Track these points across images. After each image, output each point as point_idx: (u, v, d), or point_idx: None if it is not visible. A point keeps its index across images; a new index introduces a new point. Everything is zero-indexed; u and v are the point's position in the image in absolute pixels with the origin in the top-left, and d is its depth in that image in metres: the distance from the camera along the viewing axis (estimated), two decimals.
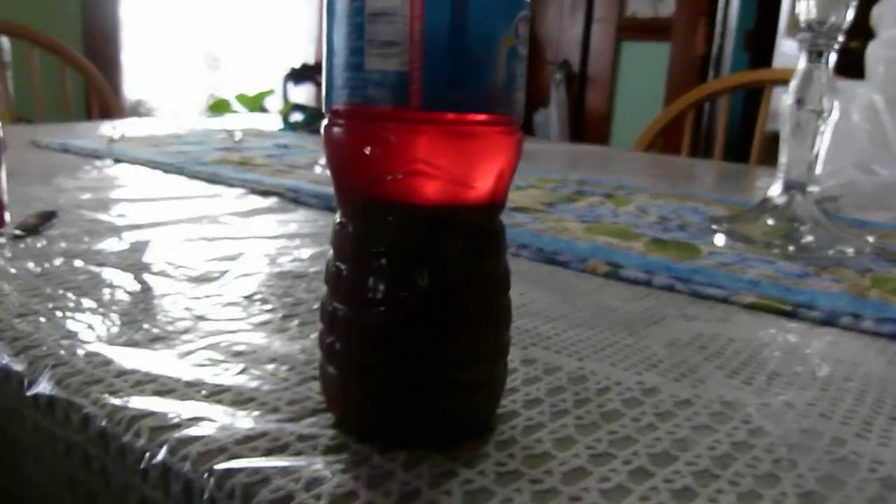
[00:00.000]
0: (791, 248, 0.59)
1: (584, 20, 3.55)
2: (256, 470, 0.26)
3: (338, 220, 0.28)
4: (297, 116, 1.38)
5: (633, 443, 0.29)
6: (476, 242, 0.27)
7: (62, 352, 0.34)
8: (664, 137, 1.52)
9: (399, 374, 0.27)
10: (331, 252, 0.28)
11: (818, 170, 0.62)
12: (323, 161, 0.92)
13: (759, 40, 3.39)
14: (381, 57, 0.24)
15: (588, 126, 3.57)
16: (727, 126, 1.51)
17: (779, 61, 3.41)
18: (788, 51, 3.45)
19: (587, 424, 0.30)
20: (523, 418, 0.30)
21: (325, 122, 0.27)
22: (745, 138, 2.56)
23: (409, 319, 0.26)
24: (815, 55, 0.60)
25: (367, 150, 0.25)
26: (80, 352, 0.34)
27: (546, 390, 0.33)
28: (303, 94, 3.09)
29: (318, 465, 0.26)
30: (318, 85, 2.88)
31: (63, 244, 0.52)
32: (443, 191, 0.26)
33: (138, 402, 0.30)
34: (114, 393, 0.31)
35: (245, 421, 0.29)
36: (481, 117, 0.25)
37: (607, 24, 3.50)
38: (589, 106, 3.61)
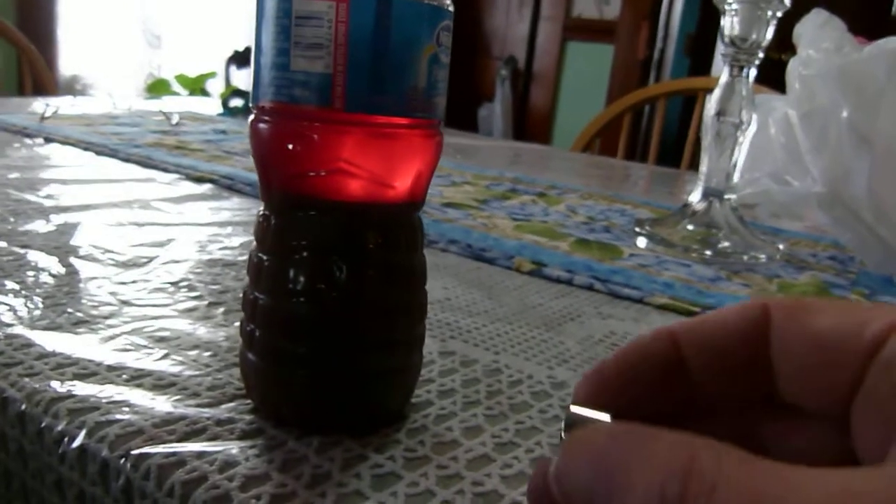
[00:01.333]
0: (708, 252, 0.62)
1: (531, 18, 3.59)
2: (173, 453, 0.26)
3: (261, 212, 0.29)
4: (236, 102, 1.36)
5: (537, 433, 0.31)
6: (394, 238, 0.28)
7: None
8: (603, 138, 1.56)
9: (316, 362, 0.28)
10: (254, 243, 0.29)
11: (736, 178, 0.65)
12: None
13: (699, 45, 3.48)
14: (307, 59, 0.25)
15: (531, 122, 3.62)
16: (663, 130, 1.55)
17: (718, 66, 3.50)
18: None
19: (496, 415, 0.32)
20: (436, 407, 0.32)
21: (251, 118, 0.28)
22: (680, 143, 2.63)
23: (327, 310, 0.27)
24: (737, 69, 0.63)
25: (291, 147, 0.26)
26: (1, 334, 0.34)
27: (461, 381, 0.35)
28: (245, 78, 3.04)
29: (233, 448, 0.27)
30: None
31: None
32: (363, 189, 0.27)
33: (58, 385, 0.30)
34: (33, 375, 0.31)
35: (164, 405, 0.30)
36: (402, 120, 0.27)
37: (554, 22, 3.55)
38: (533, 103, 3.66)
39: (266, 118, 0.27)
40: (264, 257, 0.28)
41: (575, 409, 0.19)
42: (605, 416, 0.18)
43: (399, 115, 0.26)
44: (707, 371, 0.20)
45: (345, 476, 0.26)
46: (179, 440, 0.27)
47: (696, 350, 0.20)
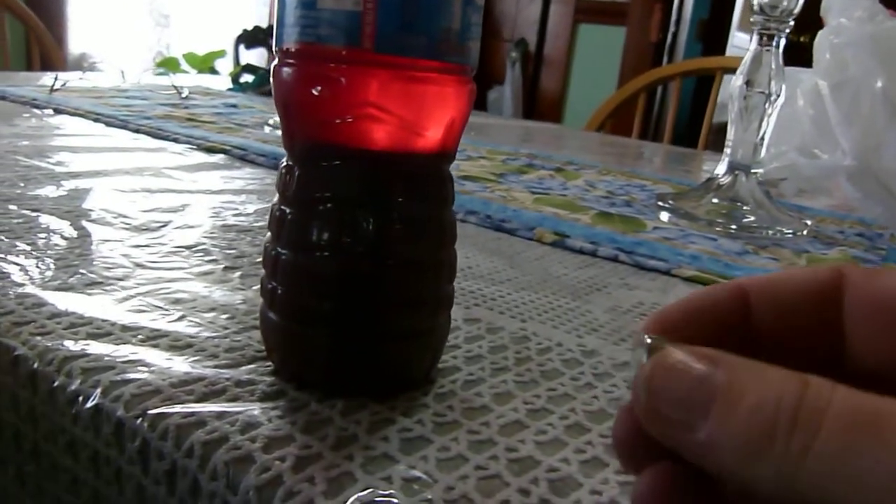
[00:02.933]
0: (733, 226, 0.61)
1: (543, 0, 3.55)
2: (191, 413, 0.25)
3: (284, 163, 0.27)
4: (247, 77, 1.35)
5: (570, 400, 0.29)
6: (423, 190, 0.27)
7: None
8: (615, 119, 1.54)
9: (341, 320, 0.26)
10: (276, 196, 0.28)
11: (763, 152, 0.63)
12: (272, 121, 0.91)
13: (712, 31, 3.44)
14: None
15: (542, 106, 3.59)
16: (677, 112, 1.53)
17: (730, 53, 3.46)
18: (740, 43, 3.51)
19: (527, 381, 0.30)
20: (464, 373, 0.30)
21: (274, 62, 0.26)
22: (692, 126, 2.60)
23: (352, 265, 0.26)
24: (766, 38, 0.61)
25: (317, 91, 0.25)
26: (11, 293, 0.33)
27: (488, 348, 0.33)
28: (254, 58, 3.02)
29: (254, 410, 0.26)
30: (271, 49, 2.82)
31: None
32: (392, 137, 0.25)
33: (71, 345, 0.29)
34: (45, 334, 0.30)
35: (181, 365, 0.28)
36: (434, 63, 0.25)
37: (565, 4, 3.51)
38: (543, 86, 3.63)
39: (290, 61, 0.26)
40: (287, 210, 0.27)
41: (652, 338, 0.17)
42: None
43: (431, 58, 0.25)
44: (774, 328, 0.19)
45: (372, 439, 0.25)
46: (198, 400, 0.26)
47: (766, 305, 0.19)
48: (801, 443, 0.13)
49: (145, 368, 0.28)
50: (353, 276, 0.26)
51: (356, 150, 0.25)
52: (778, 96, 0.61)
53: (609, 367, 0.33)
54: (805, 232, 0.62)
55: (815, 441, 0.13)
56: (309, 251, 0.26)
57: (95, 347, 0.29)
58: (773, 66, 0.61)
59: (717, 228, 0.60)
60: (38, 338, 0.29)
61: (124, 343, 0.30)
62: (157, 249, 0.41)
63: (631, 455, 0.18)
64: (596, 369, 0.32)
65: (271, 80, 0.27)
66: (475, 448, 0.25)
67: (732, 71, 1.46)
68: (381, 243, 0.26)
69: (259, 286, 0.35)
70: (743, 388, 0.14)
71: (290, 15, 0.25)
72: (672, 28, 3.34)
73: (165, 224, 0.46)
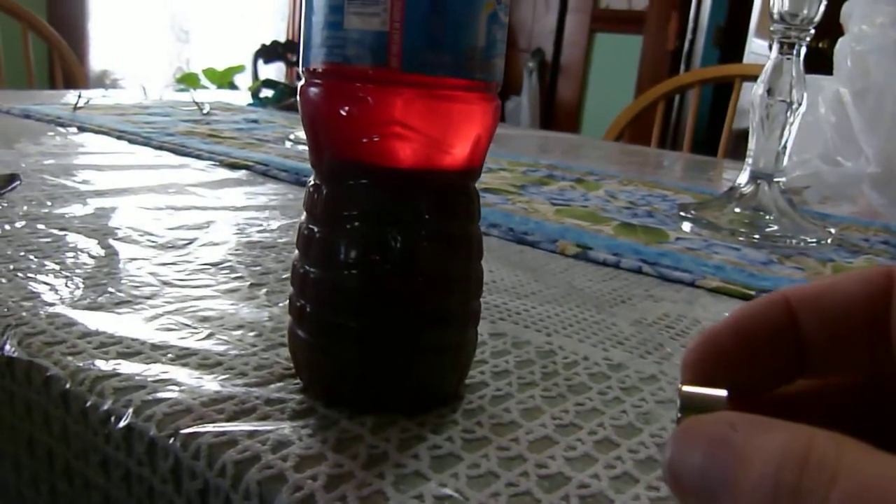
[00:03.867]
0: (756, 236, 0.60)
1: (559, 10, 3.56)
2: (223, 432, 0.25)
3: (312, 181, 0.27)
4: (266, 92, 1.36)
5: (598, 415, 0.29)
6: (450, 207, 0.27)
7: (23, 313, 0.34)
8: (633, 128, 1.53)
9: (370, 338, 0.27)
10: (303, 214, 0.28)
11: (785, 161, 0.63)
12: (294, 136, 0.91)
13: (729, 37, 3.43)
14: (362, 16, 0.24)
15: (559, 115, 3.59)
16: (696, 119, 1.53)
17: (748, 60, 3.45)
18: (758, 49, 3.49)
19: (554, 396, 0.30)
20: (491, 388, 0.30)
21: (301, 82, 0.27)
22: (711, 133, 2.59)
23: (381, 283, 0.26)
24: (787, 47, 0.60)
25: (344, 111, 0.25)
26: (42, 313, 0.34)
27: (514, 363, 0.33)
28: (273, 72, 3.05)
29: (285, 428, 0.26)
30: (289, 63, 2.84)
31: (25, 207, 0.51)
32: (419, 154, 0.25)
33: (102, 364, 0.29)
34: (77, 354, 0.30)
35: (212, 384, 0.28)
36: (461, 81, 0.25)
37: (581, 14, 3.51)
38: (560, 95, 3.63)
39: (317, 81, 0.26)
40: (315, 228, 0.27)
41: (688, 388, 0.17)
42: (721, 393, 0.17)
43: (458, 76, 0.25)
44: (822, 339, 0.18)
45: (402, 457, 0.25)
46: (229, 419, 0.26)
47: (813, 316, 0.18)
48: None
49: (176, 387, 0.28)
50: (382, 293, 0.26)
51: (384, 168, 0.26)
52: (799, 104, 0.61)
53: (636, 381, 0.33)
54: (829, 240, 0.62)
55: None
56: (337, 269, 0.26)
57: (126, 367, 0.29)
58: (794, 75, 0.61)
59: (741, 238, 0.60)
60: (70, 358, 0.30)
61: (154, 362, 0.30)
62: (184, 267, 0.42)
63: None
64: (623, 383, 0.32)
65: (298, 100, 0.27)
66: (505, 465, 0.25)
67: (752, 78, 1.46)
68: (409, 260, 0.26)
69: (285, 303, 0.35)
70: (754, 453, 0.14)
71: (317, 35, 0.25)
72: (689, 35, 3.33)
73: (191, 241, 0.46)
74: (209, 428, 0.25)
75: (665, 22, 3.30)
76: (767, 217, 0.63)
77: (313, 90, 0.26)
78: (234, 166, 0.73)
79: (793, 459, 0.13)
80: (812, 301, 0.18)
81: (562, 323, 0.39)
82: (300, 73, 0.27)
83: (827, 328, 0.18)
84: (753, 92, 0.62)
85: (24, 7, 1.67)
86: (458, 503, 0.23)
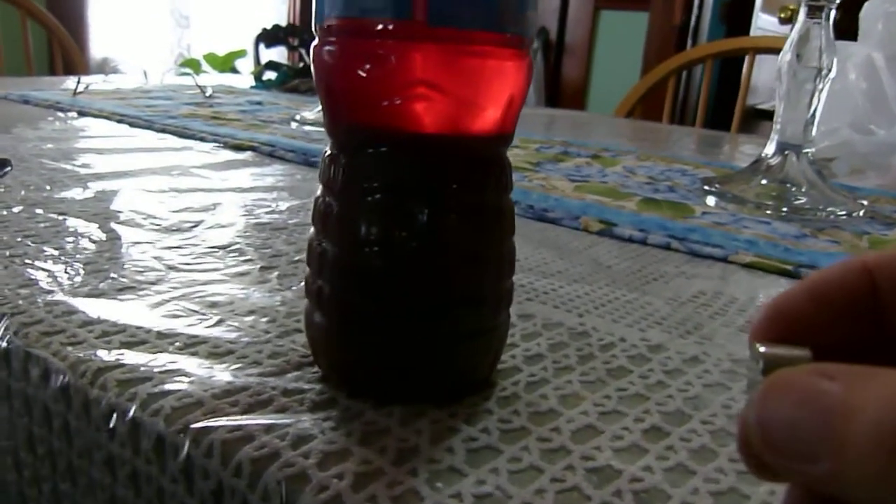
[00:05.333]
0: (784, 209, 0.58)
1: None
2: (237, 426, 0.23)
3: (328, 151, 0.25)
4: (270, 75, 1.33)
5: (643, 400, 0.27)
6: (481, 176, 0.24)
7: (20, 301, 0.31)
8: (643, 105, 1.50)
9: (395, 321, 0.24)
10: (319, 187, 0.25)
11: (814, 131, 0.60)
12: (300, 116, 0.89)
13: (736, 13, 3.37)
14: None
15: (564, 94, 3.55)
16: (708, 94, 1.49)
17: (755, 35, 3.40)
18: (764, 25, 3.44)
19: (593, 381, 0.28)
20: (525, 374, 0.28)
21: (314, 42, 0.24)
22: (720, 110, 2.55)
23: (407, 261, 0.24)
24: (815, 10, 0.57)
25: (363, 72, 0.23)
26: (40, 301, 0.31)
27: (547, 346, 0.31)
28: (274, 57, 3.01)
29: (305, 421, 0.24)
30: (291, 48, 2.80)
31: (23, 192, 0.48)
32: (446, 118, 0.23)
33: (105, 354, 0.27)
34: (77, 344, 0.28)
35: (223, 374, 0.26)
36: (493, 36, 0.23)
37: None
38: (566, 75, 3.58)
39: (332, 39, 0.23)
40: (332, 202, 0.25)
41: (768, 347, 0.15)
42: (804, 352, 0.15)
43: (490, 30, 0.22)
44: None
45: (435, 450, 0.23)
46: (244, 412, 0.24)
47: (892, 281, 0.16)
48: None
49: (185, 378, 0.26)
50: (408, 272, 0.24)
51: (407, 134, 0.23)
52: (829, 71, 0.58)
53: (679, 363, 0.30)
54: (861, 212, 0.59)
55: None
56: (358, 246, 0.24)
57: (130, 357, 0.27)
58: (824, 40, 0.58)
59: (768, 211, 0.57)
60: (70, 348, 0.28)
61: (161, 351, 0.28)
62: (190, 250, 0.39)
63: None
64: (665, 365, 0.30)
65: (311, 61, 0.24)
66: (548, 458, 0.23)
67: (764, 51, 1.43)
68: (436, 236, 0.24)
69: (298, 286, 0.33)
70: (862, 404, 0.12)
71: None
72: (695, 11, 3.28)
73: (197, 224, 0.44)
74: (222, 422, 0.23)
75: None
76: (795, 189, 0.60)
77: (328, 49, 0.23)
78: (239, 147, 0.71)
79: None
80: (892, 264, 0.16)
81: (593, 303, 0.36)
82: (314, 31, 0.24)
83: None
84: (780, 59, 0.59)
85: None
86: (500, 501, 0.21)
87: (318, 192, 0.25)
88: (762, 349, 0.16)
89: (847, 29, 0.78)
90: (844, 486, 0.12)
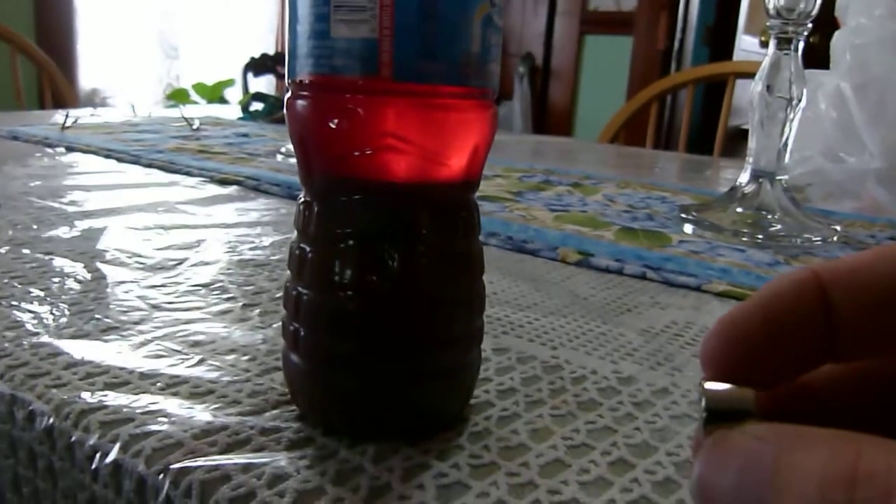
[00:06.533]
0: (760, 236, 0.59)
1: (548, 13, 3.55)
2: (215, 466, 0.24)
3: (302, 199, 0.26)
4: (256, 105, 1.35)
5: (611, 433, 0.28)
6: (449, 221, 0.25)
7: (6, 344, 0.32)
8: (627, 130, 1.52)
9: (368, 362, 0.25)
10: (295, 233, 0.27)
11: (786, 158, 0.62)
12: (285, 149, 0.90)
13: (718, 36, 3.43)
14: (349, 23, 0.23)
15: (551, 119, 3.58)
16: (690, 118, 1.52)
17: (738, 57, 3.45)
18: (747, 47, 3.49)
19: (564, 415, 0.29)
20: (497, 409, 0.29)
21: (288, 94, 0.25)
22: (704, 132, 2.58)
23: (379, 304, 0.25)
24: (784, 42, 0.59)
25: (333, 124, 0.24)
26: (26, 343, 0.32)
27: (520, 380, 0.32)
28: (263, 85, 3.03)
29: (281, 460, 0.24)
30: (279, 76, 2.82)
31: (10, 232, 0.49)
32: (414, 167, 0.24)
33: (88, 396, 0.28)
34: (61, 386, 0.29)
35: (203, 414, 0.27)
36: (456, 89, 0.24)
37: (571, 17, 3.51)
38: (552, 99, 3.62)
39: (304, 93, 0.25)
40: (307, 248, 0.26)
41: (711, 386, 0.16)
42: (747, 392, 0.16)
43: (452, 84, 0.24)
44: (856, 321, 0.16)
45: (407, 488, 0.23)
46: (222, 452, 0.25)
47: (847, 295, 0.16)
48: None
49: (166, 419, 0.27)
50: (380, 315, 0.25)
51: (377, 182, 0.24)
52: (799, 100, 0.60)
53: (648, 395, 0.31)
54: (835, 238, 0.60)
55: None
56: (332, 291, 0.25)
57: (113, 398, 0.28)
58: (793, 70, 0.59)
59: (744, 239, 0.59)
60: (54, 390, 0.28)
61: (143, 392, 0.29)
62: (174, 289, 0.40)
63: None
64: (635, 397, 0.31)
65: (285, 113, 0.25)
66: (516, 492, 0.24)
67: (745, 76, 1.45)
68: (407, 279, 0.25)
69: (280, 324, 0.34)
70: (788, 475, 0.12)
71: (303, 46, 0.24)
72: (679, 35, 3.33)
73: (181, 262, 0.45)
74: (201, 462, 0.24)
75: (654, 22, 3.30)
76: (771, 216, 0.61)
77: (301, 103, 0.25)
78: (224, 182, 0.72)
79: (838, 478, 0.12)
80: (846, 278, 0.16)
81: (567, 335, 0.37)
82: (287, 85, 0.25)
83: (861, 308, 0.16)
84: (752, 89, 0.61)
85: (12, 29, 1.66)
86: None
87: (294, 238, 0.27)
88: (705, 386, 0.16)
89: (824, 54, 0.80)
90: None
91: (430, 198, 0.25)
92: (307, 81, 0.24)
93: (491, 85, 0.25)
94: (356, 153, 0.24)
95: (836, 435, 0.13)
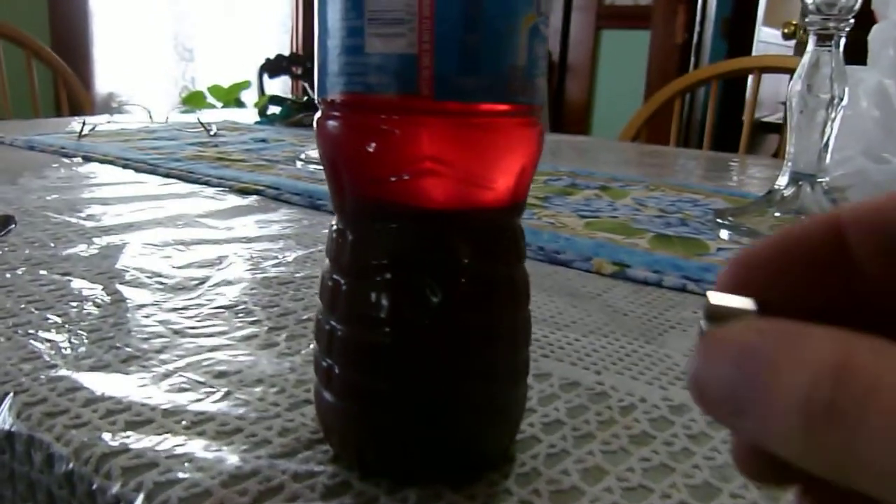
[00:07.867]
0: None
1: (564, 8, 3.51)
2: None
3: (335, 226, 0.24)
4: (274, 109, 1.33)
5: (668, 472, 0.26)
6: (493, 249, 0.23)
7: (23, 378, 0.30)
8: (648, 127, 1.49)
9: (407, 402, 0.23)
10: (327, 262, 0.25)
11: (827, 159, 0.59)
12: (304, 155, 0.88)
13: (736, 28, 3.38)
14: (385, 37, 0.21)
15: (568, 116, 3.55)
16: (715, 115, 1.49)
17: (758, 49, 3.40)
18: (766, 38, 3.45)
19: (615, 451, 0.27)
20: (545, 445, 0.27)
21: (318, 114, 0.23)
22: (722, 125, 2.54)
23: (419, 341, 0.23)
24: (825, 39, 0.57)
25: (369, 147, 0.22)
26: (43, 377, 0.31)
27: (565, 410, 0.30)
28: (279, 86, 3.03)
29: None
30: (294, 77, 2.82)
31: (27, 251, 0.48)
32: (455, 192, 0.22)
33: (109, 438, 0.26)
34: (81, 426, 0.27)
35: (231, 457, 0.25)
36: (501, 107, 0.22)
37: (586, 12, 3.47)
38: (569, 96, 3.59)
39: (336, 114, 0.23)
40: (341, 280, 0.24)
41: (715, 296, 0.15)
42: (749, 304, 0.15)
43: (498, 101, 0.22)
44: (878, 260, 0.16)
45: None
46: (254, 502, 0.23)
47: (866, 235, 0.16)
48: (842, 440, 0.11)
49: (192, 464, 0.25)
50: (420, 352, 0.23)
51: (416, 209, 0.22)
52: (841, 99, 0.57)
53: (704, 426, 0.29)
54: None
55: (858, 435, 0.11)
56: (368, 326, 0.23)
57: (136, 440, 0.26)
58: (834, 68, 0.57)
59: None
60: (74, 431, 0.27)
61: (167, 431, 0.27)
62: (196, 312, 0.38)
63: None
64: (689, 429, 0.29)
65: (315, 134, 0.24)
66: None
67: (770, 70, 1.42)
68: (449, 313, 0.23)
69: (308, 349, 0.32)
70: (788, 366, 0.12)
71: (334, 62, 0.22)
72: (697, 28, 3.28)
73: (202, 281, 0.43)
74: None
75: (672, 15, 3.25)
76: None
77: (332, 124, 0.23)
78: (244, 192, 0.70)
79: (826, 371, 0.12)
80: (865, 217, 0.16)
81: (610, 357, 0.35)
82: (317, 103, 0.23)
83: (883, 246, 0.15)
84: (790, 88, 0.58)
85: (28, 34, 1.66)
86: None
87: (326, 268, 0.25)
88: (710, 297, 0.15)
89: (859, 48, 0.77)
90: (769, 444, 0.12)
91: (473, 225, 0.23)
92: (339, 101, 0.22)
93: (538, 101, 0.23)
94: (393, 178, 0.22)
95: (832, 331, 0.12)
